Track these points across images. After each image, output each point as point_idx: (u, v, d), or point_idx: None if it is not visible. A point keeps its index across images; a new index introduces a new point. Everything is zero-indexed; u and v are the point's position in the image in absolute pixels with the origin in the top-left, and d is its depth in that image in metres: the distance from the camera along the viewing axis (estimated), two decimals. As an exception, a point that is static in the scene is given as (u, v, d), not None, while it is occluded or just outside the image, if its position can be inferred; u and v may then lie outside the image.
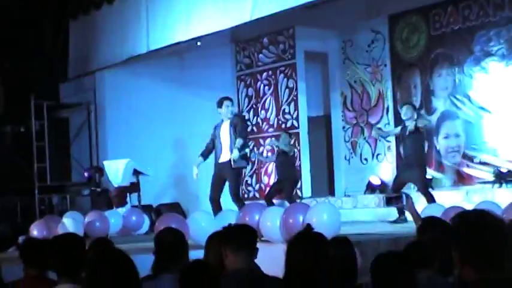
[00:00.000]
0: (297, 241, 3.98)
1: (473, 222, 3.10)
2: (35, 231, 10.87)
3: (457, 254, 3.06)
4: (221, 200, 11.38)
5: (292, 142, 14.56)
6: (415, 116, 12.16)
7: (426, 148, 14.14)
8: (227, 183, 11.45)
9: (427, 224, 4.90)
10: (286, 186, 13.86)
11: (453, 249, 3.07)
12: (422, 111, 14.70)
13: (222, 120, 11.63)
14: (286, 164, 14.12)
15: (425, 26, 15.05)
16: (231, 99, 11.84)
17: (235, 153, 11.22)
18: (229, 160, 11.28)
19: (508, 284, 3.00)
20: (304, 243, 3.95)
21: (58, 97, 16.64)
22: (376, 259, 3.86)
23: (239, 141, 11.31)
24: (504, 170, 13.43)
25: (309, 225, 4.15)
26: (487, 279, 2.97)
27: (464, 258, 3.04)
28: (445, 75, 14.73)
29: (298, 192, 15.34)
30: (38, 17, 15.96)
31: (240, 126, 11.52)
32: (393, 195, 10.15)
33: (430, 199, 11.43)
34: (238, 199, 11.35)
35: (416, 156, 12.00)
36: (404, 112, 12.17)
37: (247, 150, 11.59)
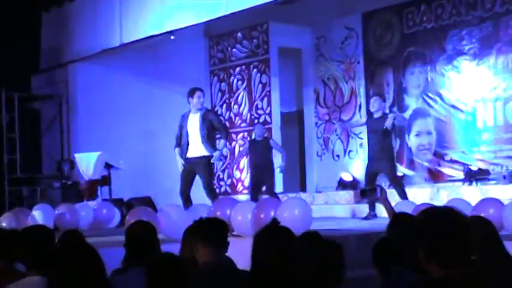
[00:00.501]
0: (262, 235, 3.98)
1: (436, 219, 3.11)
2: (4, 223, 10.79)
3: (421, 250, 3.07)
4: (194, 194, 11.34)
5: (266, 134, 14.41)
6: (385, 109, 12.23)
7: (398, 146, 14.25)
8: (197, 178, 11.37)
9: (398, 220, 4.91)
10: (266, 176, 13.50)
11: (418, 246, 3.08)
12: (395, 109, 14.78)
13: (190, 111, 11.42)
14: (262, 149, 13.52)
15: (399, 23, 15.11)
16: (202, 91, 11.69)
17: (217, 155, 11.17)
18: (202, 156, 11.18)
19: (472, 280, 3.01)
20: (270, 237, 3.94)
21: (29, 89, 16.53)
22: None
23: (223, 143, 11.31)
24: (474, 169, 13.53)
25: (275, 219, 4.15)
26: (451, 275, 2.98)
27: (429, 255, 3.05)
28: (418, 73, 14.80)
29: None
30: (10, 8, 15.81)
31: (218, 123, 11.42)
32: (367, 187, 10.21)
33: (402, 193, 11.47)
34: (212, 193, 11.22)
35: (388, 150, 11.99)
36: (372, 104, 12.21)
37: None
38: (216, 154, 11.13)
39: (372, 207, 11.71)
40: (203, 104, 11.53)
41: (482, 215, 6.23)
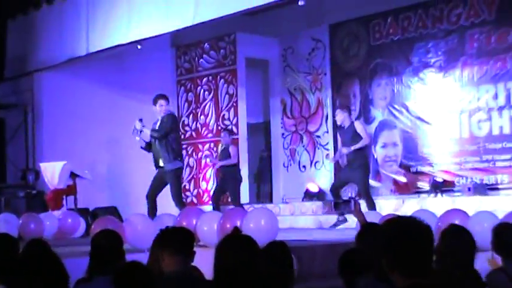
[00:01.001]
0: (224, 244, 3.97)
1: (398, 228, 3.12)
2: (-33, 233, 10.65)
3: (385, 260, 3.08)
4: (160, 203, 11.34)
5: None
6: (351, 117, 12.27)
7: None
8: (168, 187, 11.41)
9: (366, 230, 4.91)
10: (231, 186, 13.67)
11: (382, 256, 3.09)
12: (361, 120, 14.85)
13: (158, 120, 11.56)
14: (226, 158, 13.81)
15: (366, 35, 15.20)
16: (166, 98, 11.71)
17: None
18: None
19: None
20: (232, 246, 3.93)
21: (-6, 97, 16.39)
22: None
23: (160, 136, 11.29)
24: (440, 180, 13.64)
25: (236, 228, 4.14)
26: (414, 285, 2.99)
27: (392, 265, 3.06)
28: (384, 85, 14.90)
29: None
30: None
31: (164, 123, 11.43)
32: (341, 200, 10.22)
33: (371, 203, 11.50)
34: (180, 203, 11.30)
35: (362, 159, 11.97)
36: (337, 118, 12.23)
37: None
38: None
39: (341, 213, 11.71)
40: (167, 111, 11.55)
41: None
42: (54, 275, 3.41)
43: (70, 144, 14.94)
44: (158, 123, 11.46)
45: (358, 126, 11.89)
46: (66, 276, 3.49)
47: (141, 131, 11.52)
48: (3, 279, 4.17)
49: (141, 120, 11.56)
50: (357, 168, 11.81)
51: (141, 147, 11.79)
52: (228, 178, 13.61)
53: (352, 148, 11.63)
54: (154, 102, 11.50)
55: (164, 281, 4.18)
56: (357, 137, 11.72)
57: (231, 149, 13.78)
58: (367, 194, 11.82)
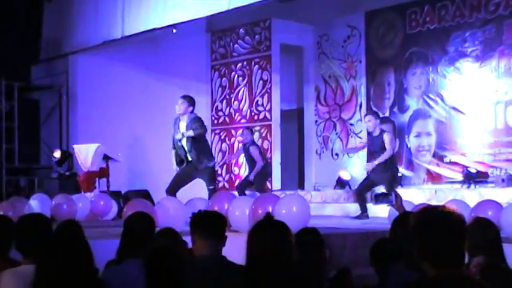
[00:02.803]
0: (257, 230, 3.94)
1: (431, 218, 3.08)
2: (0, 212, 10.74)
3: (416, 249, 3.05)
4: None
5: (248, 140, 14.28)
6: (381, 126, 11.98)
7: (397, 146, 14.20)
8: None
9: (402, 219, 4.88)
10: (256, 179, 13.76)
11: (414, 245, 3.05)
12: (395, 109, 14.77)
13: (178, 119, 11.34)
14: (246, 155, 13.97)
15: (402, 24, 15.08)
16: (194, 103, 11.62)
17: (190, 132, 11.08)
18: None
19: (464, 282, 2.99)
20: (265, 232, 3.90)
21: (29, 79, 16.50)
22: None
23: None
24: (473, 171, 13.51)
25: (268, 213, 4.12)
26: (444, 275, 2.96)
27: (422, 254, 3.03)
28: (419, 74, 14.77)
29: (268, 184, 15.28)
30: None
31: (196, 123, 11.21)
32: (382, 192, 10.13)
33: None
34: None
35: (389, 165, 11.76)
36: (367, 124, 11.93)
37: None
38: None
39: (364, 209, 11.67)
40: (195, 114, 11.33)
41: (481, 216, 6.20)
42: (82, 259, 3.43)
43: (103, 127, 15.01)
44: (185, 123, 11.18)
45: (386, 138, 11.55)
46: (92, 261, 3.52)
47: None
48: (35, 258, 4.21)
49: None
50: (384, 173, 11.65)
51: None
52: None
53: (376, 162, 11.40)
54: (187, 101, 11.25)
55: (195, 266, 4.18)
56: (384, 149, 11.53)
57: (253, 151, 13.74)
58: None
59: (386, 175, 11.31)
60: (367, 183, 11.84)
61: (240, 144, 16.07)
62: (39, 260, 3.65)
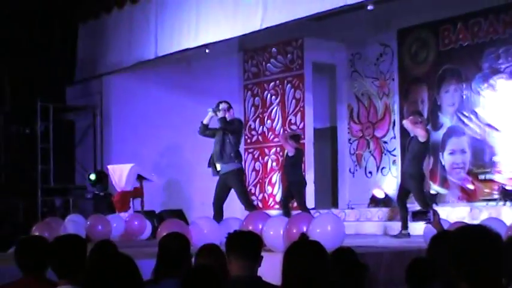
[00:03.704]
0: (294, 250, 3.94)
1: (468, 237, 3.00)
2: (36, 233, 10.82)
3: (453, 269, 2.97)
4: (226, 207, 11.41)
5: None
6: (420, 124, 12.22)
7: (431, 164, 14.14)
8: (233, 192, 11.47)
9: (439, 238, 4.83)
10: (294, 190, 13.55)
11: (451, 265, 3.01)
12: (429, 127, 14.70)
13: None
14: (293, 166, 13.68)
15: (435, 41, 15.02)
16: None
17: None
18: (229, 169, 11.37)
19: None
20: (302, 252, 3.90)
21: (64, 99, 16.65)
22: None
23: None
24: (509, 188, 13.38)
25: (303, 234, 4.12)
26: None
27: (459, 274, 2.95)
28: (453, 91, 14.70)
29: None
30: (47, 18, 15.97)
31: (234, 122, 11.72)
32: (419, 209, 10.12)
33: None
34: (249, 205, 11.38)
35: (415, 170, 11.94)
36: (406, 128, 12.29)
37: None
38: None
39: (405, 226, 11.63)
40: (235, 116, 11.76)
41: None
42: (125, 278, 3.41)
43: (137, 147, 15.08)
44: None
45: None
46: (140, 279, 3.48)
47: (218, 111, 11.60)
48: (72, 279, 4.23)
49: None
50: (410, 178, 11.80)
51: (198, 131, 11.89)
52: (293, 184, 13.56)
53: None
54: (225, 105, 11.64)
55: (230, 286, 4.18)
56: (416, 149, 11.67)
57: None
58: (423, 202, 11.64)
59: (412, 182, 11.58)
60: (402, 192, 12.00)
61: (274, 163, 16.09)
62: (80, 282, 3.63)
